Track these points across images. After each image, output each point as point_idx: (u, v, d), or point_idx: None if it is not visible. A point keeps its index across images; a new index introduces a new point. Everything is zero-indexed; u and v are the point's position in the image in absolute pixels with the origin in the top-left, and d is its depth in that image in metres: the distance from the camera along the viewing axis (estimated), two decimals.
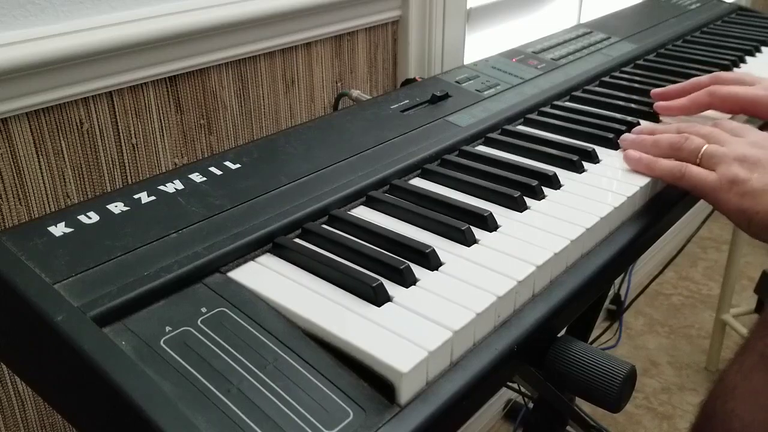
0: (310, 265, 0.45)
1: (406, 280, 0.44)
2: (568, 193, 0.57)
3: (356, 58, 0.94)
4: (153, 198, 0.49)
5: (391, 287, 0.43)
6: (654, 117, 0.73)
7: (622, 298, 1.72)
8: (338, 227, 0.50)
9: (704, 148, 0.58)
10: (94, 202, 0.48)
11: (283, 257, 0.47)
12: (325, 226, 0.51)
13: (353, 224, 0.50)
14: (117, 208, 0.48)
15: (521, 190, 0.55)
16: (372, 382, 0.37)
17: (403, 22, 0.97)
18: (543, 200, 0.56)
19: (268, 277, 0.44)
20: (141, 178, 0.74)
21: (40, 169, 0.66)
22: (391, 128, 0.63)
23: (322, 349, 0.39)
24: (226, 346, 0.38)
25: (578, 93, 0.78)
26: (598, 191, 0.57)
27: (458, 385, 0.38)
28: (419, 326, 0.40)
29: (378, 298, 0.42)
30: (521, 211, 0.54)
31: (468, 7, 1.09)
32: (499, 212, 0.53)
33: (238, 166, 0.55)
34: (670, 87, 0.75)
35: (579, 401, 1.11)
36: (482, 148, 0.65)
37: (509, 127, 0.68)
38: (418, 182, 0.58)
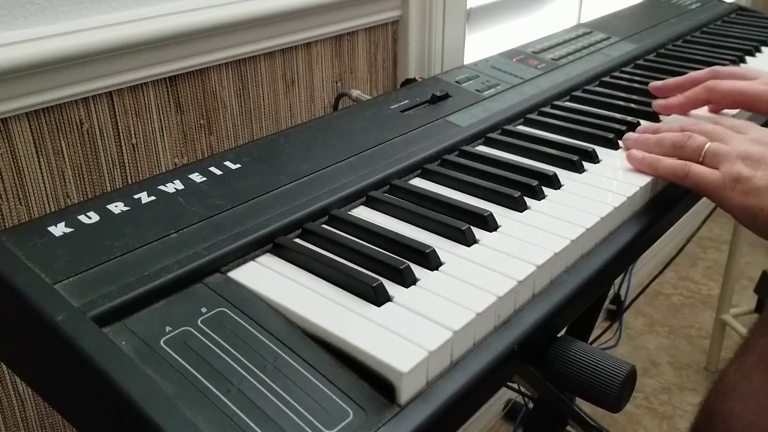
0: (310, 265, 0.45)
1: (406, 280, 0.44)
2: (568, 193, 0.57)
3: (356, 58, 0.94)
4: (153, 198, 0.49)
5: (391, 287, 0.43)
6: (654, 117, 0.73)
7: (622, 298, 1.73)
8: (338, 227, 0.50)
9: (707, 146, 0.58)
10: (94, 202, 0.48)
11: (284, 257, 0.47)
12: (325, 226, 0.51)
13: (353, 224, 0.50)
14: (117, 208, 0.48)
15: (521, 190, 0.55)
16: (372, 382, 0.37)
17: (403, 22, 0.97)
18: (543, 200, 0.56)
19: (269, 277, 0.44)
20: (141, 178, 0.74)
21: (40, 169, 0.66)
22: (391, 128, 0.63)
23: (322, 349, 0.39)
24: (226, 346, 0.38)
25: (578, 93, 0.78)
26: (598, 191, 0.57)
27: (458, 385, 0.38)
28: (419, 326, 0.40)
29: (378, 298, 0.42)
30: (521, 211, 0.54)
31: (468, 7, 1.09)
32: (499, 212, 0.53)
33: (238, 166, 0.55)
34: (668, 81, 0.74)
35: (579, 401, 1.11)
36: (482, 148, 0.65)
37: (509, 127, 0.68)
38: (418, 182, 0.58)
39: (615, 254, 0.52)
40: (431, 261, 0.46)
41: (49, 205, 0.67)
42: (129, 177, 0.73)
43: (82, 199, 0.70)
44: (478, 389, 0.39)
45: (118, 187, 0.72)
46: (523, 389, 1.18)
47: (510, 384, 1.07)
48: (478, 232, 0.50)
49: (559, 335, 0.47)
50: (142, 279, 0.41)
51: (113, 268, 0.42)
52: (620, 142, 0.66)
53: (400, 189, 0.56)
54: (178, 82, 0.74)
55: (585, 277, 0.49)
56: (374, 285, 0.42)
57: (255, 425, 0.34)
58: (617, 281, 1.64)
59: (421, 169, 0.59)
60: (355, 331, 0.39)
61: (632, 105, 0.74)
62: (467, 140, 0.64)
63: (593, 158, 0.63)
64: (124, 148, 0.72)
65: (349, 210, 0.53)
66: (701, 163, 0.58)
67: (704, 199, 0.59)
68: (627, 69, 0.86)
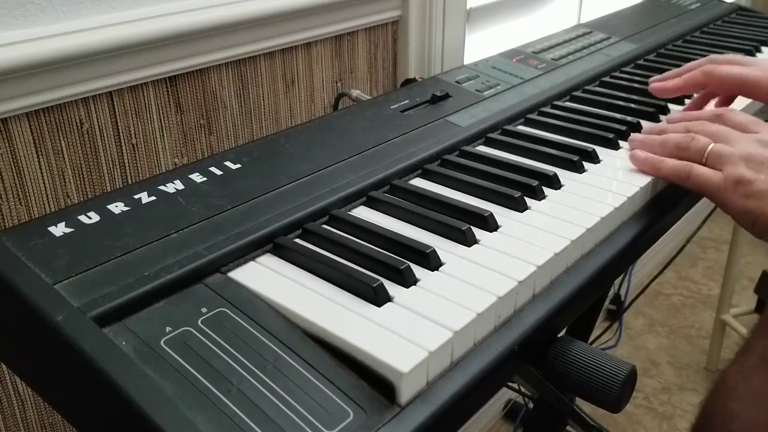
0: (310, 265, 0.45)
1: (407, 280, 0.44)
2: (568, 194, 0.57)
3: (356, 58, 0.94)
4: (153, 198, 0.49)
5: (391, 287, 0.43)
6: (653, 116, 0.73)
7: (622, 298, 1.73)
8: (338, 227, 0.50)
9: (710, 147, 0.57)
10: (94, 202, 0.48)
11: (284, 257, 0.46)
12: (325, 226, 0.51)
13: (353, 224, 0.50)
14: (117, 208, 0.48)
15: (522, 190, 0.55)
16: (372, 383, 0.37)
17: (403, 22, 0.97)
18: (543, 200, 0.55)
19: (269, 278, 0.44)
20: (141, 178, 0.74)
21: (40, 169, 0.66)
22: (391, 128, 0.63)
23: (323, 349, 0.39)
24: (227, 346, 0.38)
25: (578, 93, 0.78)
26: (599, 191, 0.57)
27: (458, 386, 0.38)
28: (419, 326, 0.40)
29: (378, 298, 0.41)
30: (522, 212, 0.54)
31: (468, 7, 1.09)
32: (499, 212, 0.52)
33: (238, 166, 0.54)
34: (667, 73, 0.75)
35: (579, 401, 1.11)
36: (482, 148, 0.65)
37: (509, 127, 0.68)
38: (418, 182, 0.58)
39: (615, 254, 0.52)
40: (431, 261, 0.46)
41: (49, 205, 0.67)
42: (129, 177, 0.73)
43: (82, 199, 0.70)
44: (478, 389, 0.39)
45: (118, 187, 0.72)
46: (523, 389, 1.18)
47: (510, 384, 1.07)
48: (478, 233, 0.50)
49: (559, 335, 0.47)
50: (143, 279, 0.41)
51: (113, 268, 0.42)
52: (620, 143, 0.66)
53: (400, 189, 0.56)
54: (178, 82, 0.74)
55: (585, 278, 0.49)
56: (374, 285, 0.42)
57: (255, 425, 0.34)
58: (617, 281, 1.64)
59: (422, 169, 0.59)
60: (355, 332, 0.39)
61: (632, 105, 0.74)
62: (467, 140, 0.64)
63: (593, 158, 0.63)
64: (124, 148, 0.72)
65: (350, 210, 0.53)
66: (704, 165, 0.57)
67: (704, 199, 0.59)
68: (627, 69, 0.86)
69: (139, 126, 0.72)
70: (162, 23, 0.69)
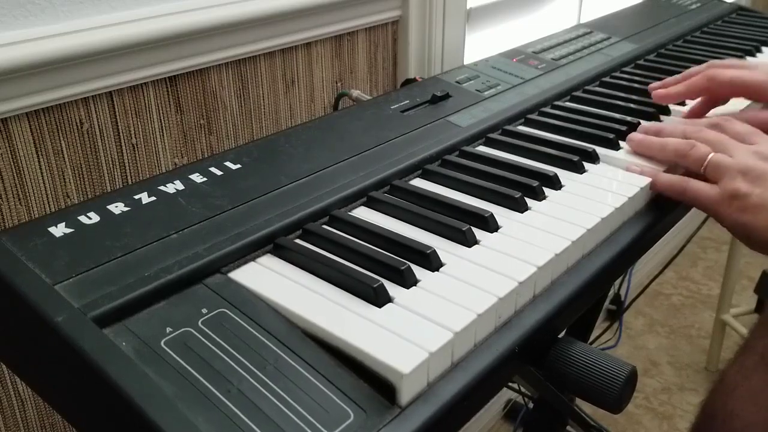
0: (310, 265, 0.45)
1: (407, 280, 0.44)
2: (568, 194, 0.57)
3: (356, 58, 0.94)
4: (153, 198, 0.49)
5: (391, 288, 0.43)
6: (653, 117, 0.72)
7: (622, 298, 1.72)
8: (339, 228, 0.50)
9: (709, 157, 0.57)
10: (94, 203, 0.48)
11: (284, 258, 0.46)
12: (325, 226, 0.50)
13: (354, 225, 0.50)
14: (117, 208, 0.47)
15: (522, 190, 0.55)
16: (372, 383, 0.37)
17: (403, 22, 0.97)
18: (544, 201, 0.55)
19: (269, 278, 0.44)
20: (141, 178, 0.74)
21: (40, 169, 0.66)
22: (391, 128, 0.63)
23: (323, 350, 0.39)
24: (227, 346, 0.38)
25: (579, 93, 0.78)
26: (599, 192, 0.57)
27: (459, 386, 0.38)
28: (420, 327, 0.40)
29: (379, 298, 0.41)
30: (522, 212, 0.54)
31: (468, 7, 1.09)
32: (499, 213, 0.52)
33: (238, 166, 0.54)
34: (668, 79, 0.75)
35: (579, 401, 1.11)
36: (483, 149, 0.65)
37: (510, 128, 0.68)
38: (418, 183, 0.58)
39: (616, 255, 0.52)
40: (432, 262, 0.46)
41: (49, 205, 0.67)
42: (129, 177, 0.73)
43: (82, 199, 0.69)
44: (478, 390, 0.39)
45: (118, 187, 0.72)
46: (523, 389, 1.18)
47: (510, 384, 1.07)
48: (478, 233, 0.50)
49: (559, 336, 0.47)
50: (143, 279, 0.41)
51: (113, 269, 0.42)
52: (621, 143, 0.66)
53: (400, 189, 0.56)
54: (178, 82, 0.74)
55: (586, 278, 0.49)
56: (375, 286, 0.42)
57: (255, 426, 0.34)
58: (617, 281, 1.64)
59: (422, 169, 0.59)
60: (355, 332, 0.39)
61: (632, 105, 0.74)
62: (468, 140, 0.64)
63: (594, 158, 0.63)
64: (124, 148, 0.72)
65: (350, 210, 0.53)
66: (703, 173, 0.58)
67: None
68: (627, 69, 0.86)
69: (139, 126, 0.72)
70: (162, 23, 0.69)
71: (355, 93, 0.88)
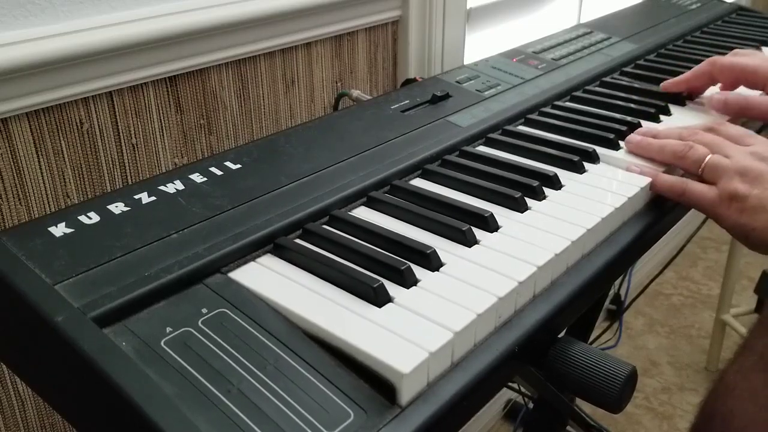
0: (310, 265, 0.45)
1: (407, 280, 0.44)
2: (568, 194, 0.57)
3: (356, 58, 0.94)
4: (153, 198, 0.49)
5: (391, 288, 0.43)
6: (654, 117, 0.73)
7: (622, 298, 1.72)
8: (339, 228, 0.50)
9: (707, 158, 0.58)
10: (94, 202, 0.48)
11: (284, 258, 0.46)
12: (325, 226, 0.50)
13: (354, 225, 0.50)
14: (117, 208, 0.47)
15: (522, 190, 0.55)
16: (373, 383, 0.37)
17: (403, 22, 0.97)
18: (544, 201, 0.55)
19: (269, 278, 0.44)
20: (141, 178, 0.74)
21: (40, 169, 0.66)
22: (391, 128, 0.63)
23: (323, 350, 0.39)
24: (227, 346, 0.38)
25: (579, 93, 0.78)
26: (599, 192, 0.57)
27: (459, 386, 0.38)
28: (420, 327, 0.40)
29: (379, 298, 0.41)
30: (522, 212, 0.54)
31: (468, 7, 1.09)
32: (499, 213, 0.52)
33: (238, 166, 0.54)
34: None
35: (579, 401, 1.11)
36: (483, 149, 0.65)
37: (510, 128, 0.68)
38: (418, 183, 0.58)
39: (616, 255, 0.52)
40: (432, 262, 0.46)
41: (49, 205, 0.67)
42: (129, 177, 0.73)
43: (82, 199, 0.69)
44: (479, 390, 0.39)
45: (118, 187, 0.72)
46: (523, 389, 1.18)
47: (510, 384, 1.07)
48: (478, 233, 0.50)
49: (559, 336, 0.47)
50: (143, 279, 0.41)
51: (114, 269, 0.42)
52: (621, 143, 0.66)
53: (400, 189, 0.56)
54: (178, 82, 0.74)
55: (586, 278, 0.49)
56: (375, 286, 0.42)
57: (255, 426, 0.34)
58: (617, 281, 1.64)
59: (422, 169, 0.59)
60: (355, 332, 0.39)
61: (632, 105, 0.74)
62: (468, 140, 0.64)
63: (594, 159, 0.63)
64: (124, 148, 0.72)
65: (350, 210, 0.53)
66: (701, 175, 0.58)
67: None
68: (627, 69, 0.86)
69: (139, 126, 0.72)
70: (162, 23, 0.69)
71: (355, 93, 0.88)
